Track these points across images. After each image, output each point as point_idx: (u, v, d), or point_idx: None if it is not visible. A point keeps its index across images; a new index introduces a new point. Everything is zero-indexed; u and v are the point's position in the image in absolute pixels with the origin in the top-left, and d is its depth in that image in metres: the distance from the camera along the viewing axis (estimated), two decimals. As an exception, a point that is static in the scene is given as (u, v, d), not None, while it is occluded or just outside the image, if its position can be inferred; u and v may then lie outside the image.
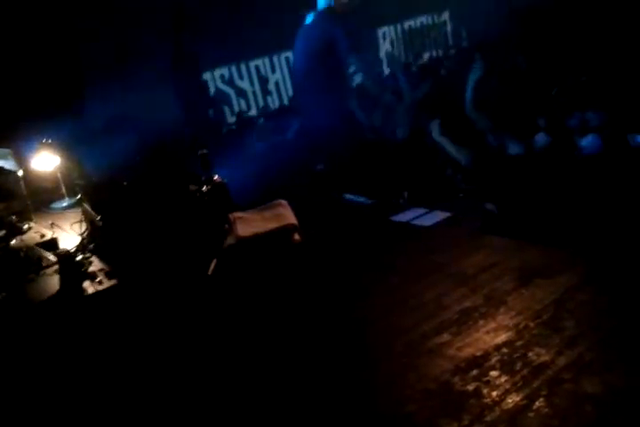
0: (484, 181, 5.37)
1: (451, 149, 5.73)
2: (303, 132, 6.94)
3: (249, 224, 4.00)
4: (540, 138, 5.36)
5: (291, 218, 4.13)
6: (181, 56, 7.08)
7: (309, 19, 6.32)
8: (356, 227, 5.41)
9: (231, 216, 4.08)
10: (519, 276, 4.28)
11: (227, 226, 4.06)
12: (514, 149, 5.35)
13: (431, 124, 5.85)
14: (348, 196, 5.89)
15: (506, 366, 3.40)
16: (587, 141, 5.05)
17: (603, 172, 4.74)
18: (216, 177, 4.11)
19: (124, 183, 4.16)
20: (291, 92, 8.45)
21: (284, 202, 4.35)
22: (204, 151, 4.18)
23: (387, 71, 9.36)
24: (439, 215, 5.46)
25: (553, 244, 4.57)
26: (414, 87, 7.09)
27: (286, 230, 4.02)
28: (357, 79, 8.99)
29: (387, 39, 9.64)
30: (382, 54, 9.53)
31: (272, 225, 4.01)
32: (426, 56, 9.87)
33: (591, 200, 4.65)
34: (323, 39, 6.14)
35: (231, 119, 8.07)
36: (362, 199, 5.85)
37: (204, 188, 4.03)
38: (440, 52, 10.06)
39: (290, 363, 3.72)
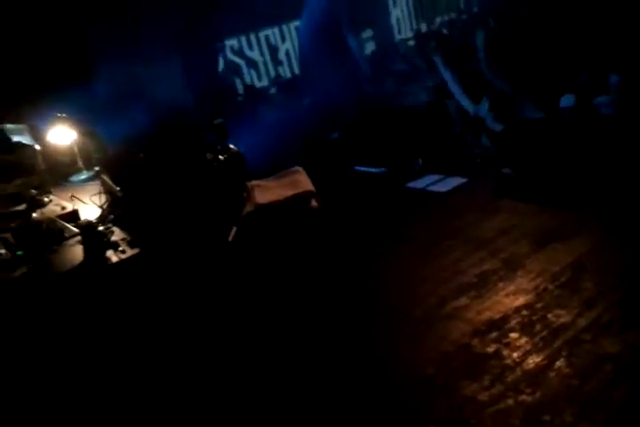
0: (500, 145, 5.33)
1: (463, 100, 5.70)
2: (315, 102, 6.90)
3: (267, 191, 4.02)
4: (566, 99, 5.30)
5: (308, 185, 4.15)
6: (195, 27, 7.02)
7: None
8: (371, 194, 5.42)
9: (249, 184, 4.10)
10: (536, 239, 4.29)
11: (245, 194, 4.08)
12: (532, 112, 5.31)
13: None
14: (360, 167, 5.85)
15: (526, 328, 3.44)
16: (604, 100, 5.00)
17: (618, 133, 4.70)
18: (232, 146, 4.11)
19: (142, 154, 4.18)
20: (300, 61, 8.41)
21: (300, 169, 4.36)
22: (220, 121, 4.18)
23: (398, 38, 9.26)
24: (455, 181, 5.46)
25: (569, 207, 4.57)
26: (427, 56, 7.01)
27: (304, 197, 4.04)
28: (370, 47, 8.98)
29: (397, 5, 9.51)
30: (393, 21, 9.41)
31: (290, 192, 4.03)
32: (437, 21, 9.73)
33: (606, 162, 4.62)
34: (328, 12, 6.07)
35: (243, 90, 8.03)
36: (374, 169, 5.80)
37: (221, 157, 4.04)
38: (452, 17, 9.92)
39: (309, 327, 3.77)
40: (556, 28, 6.49)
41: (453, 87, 5.70)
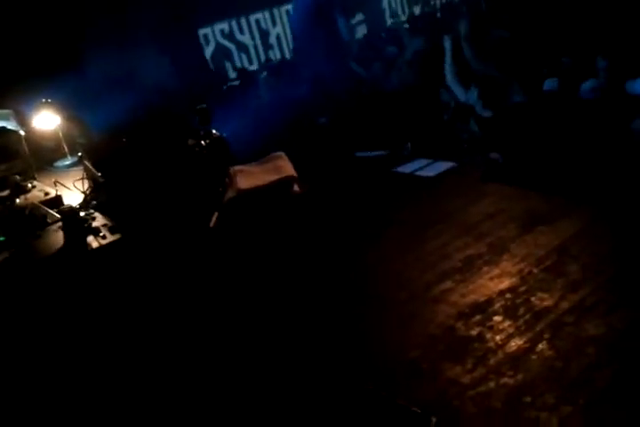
0: (489, 131, 5.31)
1: (455, 86, 5.68)
2: (306, 86, 6.86)
3: (249, 177, 4.00)
4: (550, 83, 5.29)
5: (290, 170, 4.13)
6: (177, 14, 6.98)
7: None
8: (359, 179, 5.39)
9: (231, 169, 4.07)
10: (522, 223, 4.28)
11: (227, 179, 4.06)
12: (519, 96, 5.28)
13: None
14: (361, 153, 5.83)
15: (509, 311, 3.45)
16: (587, 86, 4.98)
17: (601, 118, 4.69)
18: (214, 131, 4.09)
19: (124, 140, 4.15)
20: (292, 46, 8.35)
21: (282, 154, 4.34)
22: (203, 106, 4.15)
23: (389, 21, 9.20)
24: (443, 165, 5.44)
25: (556, 191, 4.56)
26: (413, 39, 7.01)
27: (286, 182, 4.02)
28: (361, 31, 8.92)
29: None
30: (385, 5, 9.35)
31: (272, 177, 4.01)
32: (433, 4, 9.67)
33: (592, 147, 4.61)
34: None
35: (233, 74, 7.98)
36: (374, 153, 5.81)
37: (203, 142, 4.01)
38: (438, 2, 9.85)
39: (294, 312, 3.77)
40: (543, 11, 6.46)
41: (448, 72, 5.66)
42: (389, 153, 5.80)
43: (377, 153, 5.86)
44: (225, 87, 7.54)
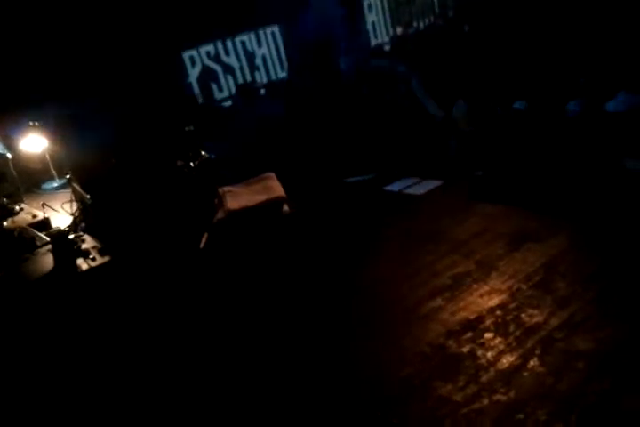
0: (469, 146, 5.38)
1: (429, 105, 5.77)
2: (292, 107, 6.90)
3: (238, 197, 4.01)
4: (519, 104, 5.41)
5: (279, 190, 4.14)
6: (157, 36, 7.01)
7: None
8: (348, 198, 5.41)
9: (220, 190, 4.08)
10: (510, 241, 4.31)
11: (216, 200, 4.06)
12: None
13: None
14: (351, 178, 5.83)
15: (500, 328, 3.46)
16: (571, 104, 5.08)
17: (584, 136, 4.77)
18: (203, 153, 4.11)
19: (113, 160, 4.16)
20: (278, 67, 8.41)
21: (272, 175, 4.35)
22: (191, 128, 4.17)
23: (373, 42, 9.30)
24: (430, 184, 5.48)
25: (542, 208, 4.60)
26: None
27: (275, 202, 4.02)
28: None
29: (372, 9, 9.55)
30: (369, 26, 9.46)
31: (261, 198, 4.02)
32: (414, 26, 9.78)
33: (576, 165, 4.67)
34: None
35: (220, 95, 8.03)
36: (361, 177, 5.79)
37: (192, 163, 4.03)
38: (427, 21, 9.97)
39: (284, 332, 3.76)
40: (526, 29, 6.57)
41: (419, 92, 5.76)
42: (378, 175, 5.78)
43: (365, 177, 5.84)
44: (213, 107, 7.56)
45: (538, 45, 6.58)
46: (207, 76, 7.96)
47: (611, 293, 3.59)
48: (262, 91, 7.86)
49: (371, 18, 9.39)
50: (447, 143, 5.74)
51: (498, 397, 2.98)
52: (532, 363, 3.15)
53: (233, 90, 8.07)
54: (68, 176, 4.33)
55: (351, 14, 5.74)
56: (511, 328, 3.44)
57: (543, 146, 4.87)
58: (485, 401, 2.97)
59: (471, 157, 5.43)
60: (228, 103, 7.91)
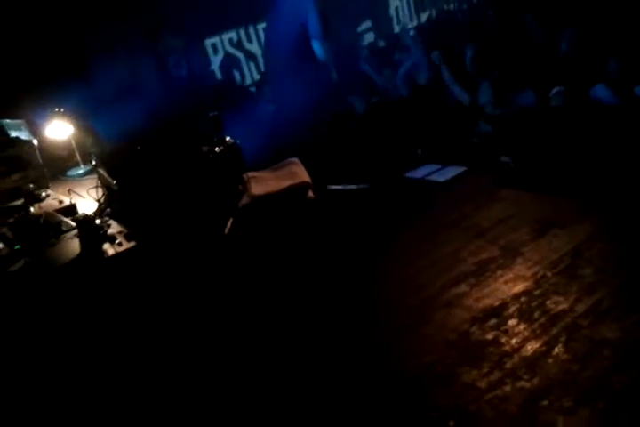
0: (502, 130, 5.32)
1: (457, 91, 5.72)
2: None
3: (263, 183, 4.01)
4: (555, 91, 5.31)
5: (304, 176, 4.13)
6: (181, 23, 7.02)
7: None
8: (370, 184, 5.38)
9: (245, 176, 4.08)
10: (535, 227, 4.27)
11: (241, 186, 4.07)
12: (526, 100, 5.30)
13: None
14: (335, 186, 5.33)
15: (524, 315, 3.43)
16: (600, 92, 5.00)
17: (617, 121, 4.69)
18: (227, 138, 4.10)
19: (138, 148, 4.18)
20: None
21: (296, 160, 4.34)
22: (215, 113, 4.17)
23: (397, 29, 9.22)
24: (454, 170, 5.44)
25: (569, 194, 4.55)
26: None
27: (300, 188, 4.02)
28: (368, 38, 8.92)
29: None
30: (392, 11, 9.37)
31: (286, 183, 4.01)
32: (434, 13, 9.67)
33: (605, 150, 4.61)
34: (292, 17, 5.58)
35: (242, 83, 8.03)
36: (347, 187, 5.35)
37: (217, 149, 4.03)
38: (452, 7, 9.85)
39: (309, 318, 3.78)
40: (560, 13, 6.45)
41: (448, 78, 5.70)
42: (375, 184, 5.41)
43: (354, 186, 5.38)
44: (237, 93, 7.56)
45: (564, 28, 6.49)
46: (230, 63, 7.97)
47: (637, 281, 3.55)
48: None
49: (394, 3, 9.31)
50: (472, 129, 5.69)
51: (522, 383, 2.97)
52: (556, 350, 3.13)
53: (256, 77, 8.08)
54: (93, 162, 4.37)
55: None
56: (536, 315, 3.42)
57: (572, 132, 4.80)
58: (509, 388, 2.96)
59: (497, 143, 5.38)
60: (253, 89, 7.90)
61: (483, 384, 3.02)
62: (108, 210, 3.75)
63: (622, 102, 4.94)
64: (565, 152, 4.84)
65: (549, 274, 3.75)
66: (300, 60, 5.01)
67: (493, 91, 5.41)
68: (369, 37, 8.97)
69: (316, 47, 5.01)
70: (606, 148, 4.69)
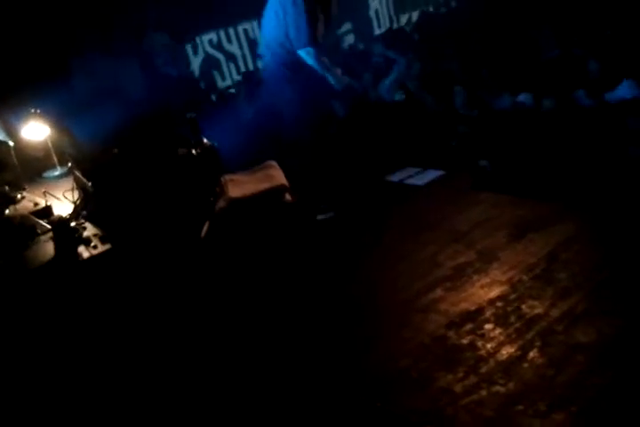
0: (478, 130, 5.35)
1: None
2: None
3: (240, 186, 3.99)
4: (523, 96, 5.40)
5: (281, 179, 4.12)
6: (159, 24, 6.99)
7: None
8: (349, 186, 5.37)
9: (222, 178, 4.06)
10: (512, 231, 4.30)
11: (218, 188, 4.05)
12: (502, 103, 5.36)
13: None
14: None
15: (500, 319, 3.46)
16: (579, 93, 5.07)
17: (588, 125, 4.75)
18: (205, 140, 4.08)
19: (115, 150, 4.15)
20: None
21: (274, 163, 4.33)
22: (193, 115, 4.15)
23: (377, 32, 9.25)
24: (432, 174, 5.45)
25: (546, 198, 4.59)
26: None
27: (278, 191, 4.01)
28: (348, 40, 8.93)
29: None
30: (372, 13, 9.39)
31: (263, 186, 4.00)
32: (415, 15, 9.70)
33: (581, 154, 4.66)
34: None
35: (222, 84, 8.01)
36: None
37: (194, 151, 4.01)
38: (432, 9, 9.89)
39: (285, 322, 3.77)
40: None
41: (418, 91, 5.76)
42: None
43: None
44: (215, 96, 7.53)
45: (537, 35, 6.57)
46: (209, 64, 7.94)
47: (613, 284, 3.58)
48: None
49: (373, 5, 9.33)
50: (450, 131, 5.71)
51: (498, 388, 2.99)
52: (531, 354, 3.16)
53: (236, 78, 8.05)
54: (69, 164, 4.32)
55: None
56: (511, 319, 3.44)
57: (548, 135, 4.85)
58: (485, 392, 2.98)
59: (475, 147, 5.40)
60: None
61: (458, 389, 3.04)
62: (84, 212, 3.71)
63: (599, 106, 5.00)
64: (543, 155, 4.89)
65: (525, 278, 3.77)
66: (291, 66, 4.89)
67: (467, 92, 5.46)
68: (349, 39, 9.00)
69: (304, 56, 4.76)
70: (583, 151, 4.74)
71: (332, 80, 4.74)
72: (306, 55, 4.62)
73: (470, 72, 5.94)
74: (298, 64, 4.71)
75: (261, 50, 5.58)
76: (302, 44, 4.58)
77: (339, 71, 4.90)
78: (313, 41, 4.56)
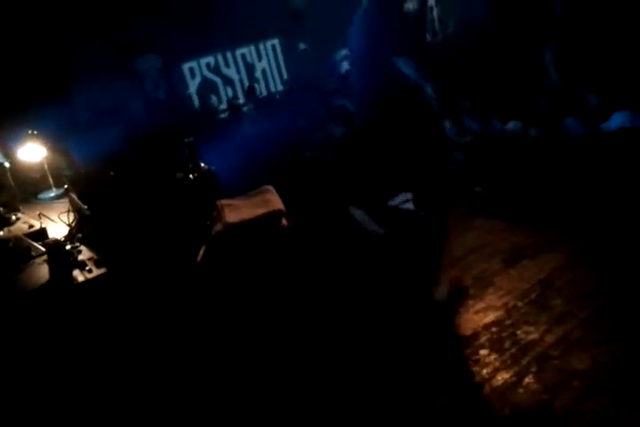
0: (472, 155, 5.39)
1: None
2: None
3: (237, 210, 3.99)
4: (513, 124, 5.46)
5: (278, 203, 4.12)
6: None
7: None
8: (342, 210, 5.36)
9: (219, 203, 4.06)
10: (507, 257, 4.32)
11: (215, 213, 4.05)
12: (493, 129, 5.42)
13: None
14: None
15: (495, 345, 3.46)
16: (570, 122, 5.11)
17: (583, 153, 4.79)
18: (203, 165, 4.10)
19: (112, 173, 4.15)
20: (278, 80, 8.45)
21: (270, 188, 4.33)
22: (191, 139, 4.17)
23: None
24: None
25: (539, 225, 4.61)
26: None
27: (274, 216, 4.01)
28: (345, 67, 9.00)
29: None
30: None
31: (260, 211, 4.00)
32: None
33: (575, 182, 4.69)
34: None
35: (218, 107, 8.06)
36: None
37: (191, 175, 4.02)
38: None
39: (279, 348, 3.75)
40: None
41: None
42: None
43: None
44: (212, 120, 7.58)
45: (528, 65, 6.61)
46: (207, 87, 8.00)
47: (607, 310, 3.59)
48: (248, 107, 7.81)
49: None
50: (448, 157, 5.75)
51: (493, 413, 2.98)
52: (527, 380, 3.15)
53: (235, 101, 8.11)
54: (65, 186, 4.32)
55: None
56: (507, 345, 3.44)
57: (537, 162, 4.89)
58: (480, 418, 2.97)
59: (470, 172, 5.43)
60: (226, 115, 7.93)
61: (454, 414, 3.02)
62: (79, 235, 3.70)
63: (592, 134, 5.04)
64: (535, 182, 4.92)
65: (520, 304, 3.78)
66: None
67: (453, 120, 5.53)
68: (346, 66, 9.07)
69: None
70: (575, 178, 4.77)
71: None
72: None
73: (451, 102, 5.99)
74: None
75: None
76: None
77: None
78: None
